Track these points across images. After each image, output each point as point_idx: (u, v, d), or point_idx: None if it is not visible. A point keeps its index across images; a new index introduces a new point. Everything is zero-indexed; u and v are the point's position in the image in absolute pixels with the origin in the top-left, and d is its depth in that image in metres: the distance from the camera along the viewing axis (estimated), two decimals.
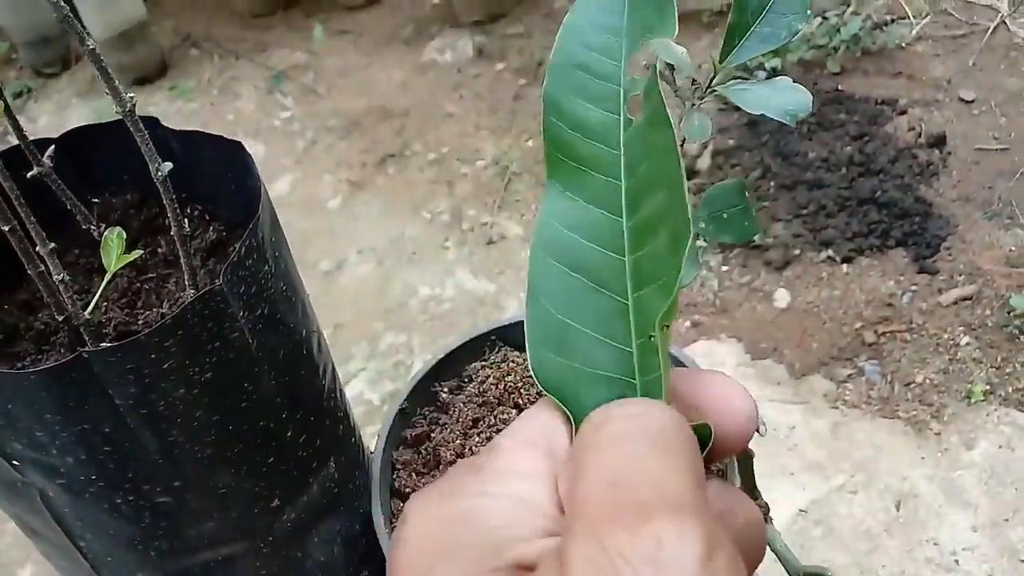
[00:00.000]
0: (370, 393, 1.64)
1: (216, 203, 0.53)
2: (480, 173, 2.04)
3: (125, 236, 0.41)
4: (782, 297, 1.63)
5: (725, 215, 0.48)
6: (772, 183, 1.77)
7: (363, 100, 2.32)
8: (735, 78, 0.51)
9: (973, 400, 1.44)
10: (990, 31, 2.09)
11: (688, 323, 1.63)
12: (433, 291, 1.82)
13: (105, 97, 2.08)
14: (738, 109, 1.79)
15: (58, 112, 2.52)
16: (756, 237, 1.70)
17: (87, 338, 0.42)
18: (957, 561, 1.28)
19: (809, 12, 0.44)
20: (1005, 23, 2.11)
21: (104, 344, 0.42)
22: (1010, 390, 1.44)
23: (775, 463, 1.41)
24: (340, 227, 2.00)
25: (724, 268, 1.69)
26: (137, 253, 0.42)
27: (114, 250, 0.41)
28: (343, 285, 1.89)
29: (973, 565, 1.27)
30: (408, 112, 2.25)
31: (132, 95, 0.41)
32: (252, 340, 0.42)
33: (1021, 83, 1.95)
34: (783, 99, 0.42)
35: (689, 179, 1.92)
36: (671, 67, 0.50)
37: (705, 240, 0.50)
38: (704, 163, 1.87)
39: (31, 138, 0.51)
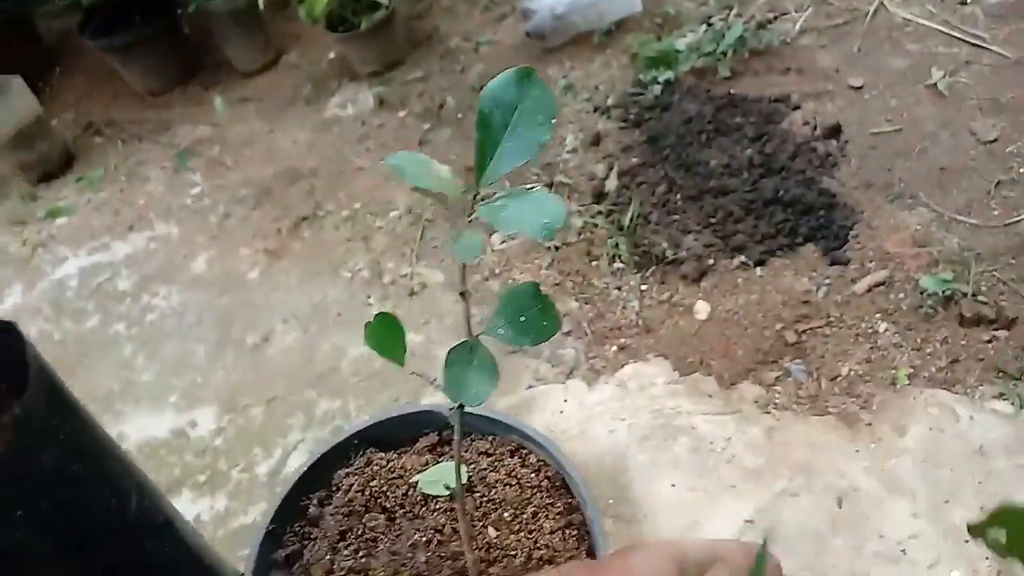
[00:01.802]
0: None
1: None
2: (395, 224, 2.03)
3: None
4: (702, 309, 1.63)
5: (523, 318, 0.47)
6: (679, 196, 1.79)
7: (271, 166, 2.29)
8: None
9: (899, 385, 1.45)
10: (870, 15, 2.13)
11: (615, 347, 1.63)
12: (362, 351, 1.80)
13: (12, 199, 2.03)
14: (638, 125, 1.79)
15: None
16: (668, 254, 1.71)
17: None
18: (904, 551, 1.29)
19: (553, 122, 0.44)
20: (884, 5, 2.15)
21: None
22: (933, 370, 1.46)
23: (715, 477, 1.41)
24: (262, 299, 1.97)
25: (643, 287, 1.70)
26: None
27: None
28: (272, 357, 1.86)
29: (920, 553, 1.28)
30: (317, 172, 2.23)
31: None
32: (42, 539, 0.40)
33: (906, 62, 2.00)
34: (538, 213, 0.42)
35: (598, 202, 1.93)
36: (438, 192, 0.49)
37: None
38: (611, 184, 1.88)
39: None
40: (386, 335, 0.48)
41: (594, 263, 1.77)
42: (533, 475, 0.62)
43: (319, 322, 1.90)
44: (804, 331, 1.56)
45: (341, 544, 0.60)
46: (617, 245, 1.76)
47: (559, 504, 0.60)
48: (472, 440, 0.66)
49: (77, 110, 2.73)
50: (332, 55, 2.54)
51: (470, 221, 0.44)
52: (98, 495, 0.46)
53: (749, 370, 1.54)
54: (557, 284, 1.77)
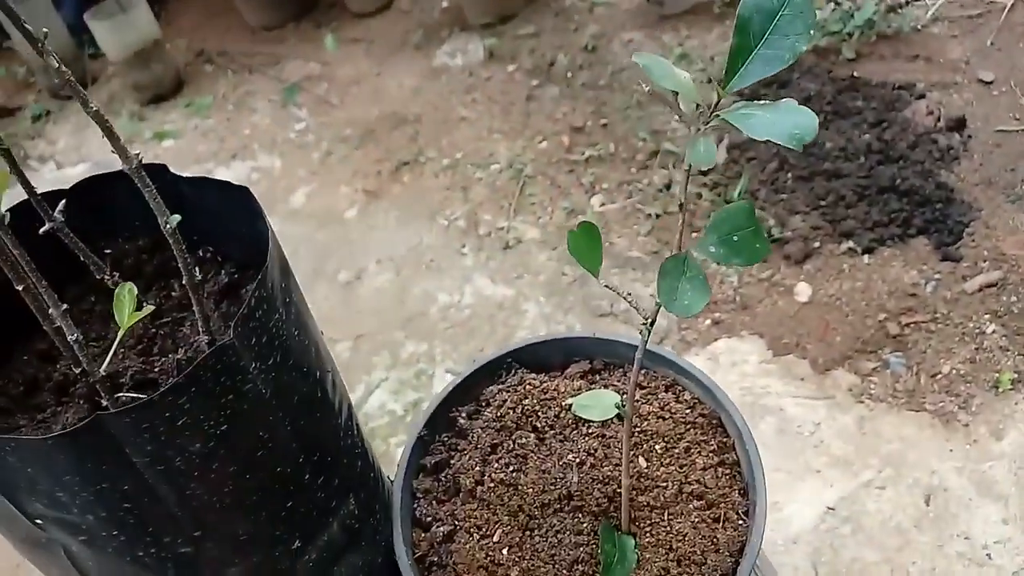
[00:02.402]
0: (393, 403, 1.65)
1: (227, 245, 0.53)
2: (495, 177, 2.04)
3: (136, 291, 0.42)
4: (803, 291, 1.61)
5: (735, 238, 0.48)
6: (789, 175, 1.76)
7: (376, 108, 2.32)
8: (738, 94, 0.50)
9: (1001, 389, 1.42)
10: (1007, 9, 2.05)
11: (708, 321, 1.62)
12: (452, 298, 1.82)
13: (122, 117, 2.09)
14: (753, 98, 1.77)
15: (76, 133, 2.55)
16: (774, 232, 1.68)
17: (103, 395, 0.43)
18: (989, 555, 1.26)
19: (812, 32, 0.44)
20: (1022, 1, 2.07)
21: (119, 400, 0.43)
22: None
23: (800, 461, 1.40)
24: (358, 237, 2.01)
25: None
26: (149, 309, 0.42)
27: (126, 307, 0.42)
28: (363, 295, 1.90)
29: (1006, 559, 1.25)
30: (421, 118, 2.25)
31: (138, 152, 0.42)
32: (266, 389, 0.42)
33: None
34: (788, 123, 0.42)
35: (704, 173, 1.91)
36: (675, 93, 0.50)
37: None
38: (720, 156, 1.86)
39: (52, 170, 0.52)
40: (587, 245, 0.49)
41: (694, 234, 1.76)
42: (687, 411, 0.62)
43: (412, 266, 1.92)
44: (908, 324, 1.52)
45: (492, 457, 0.62)
46: None
47: (713, 442, 0.61)
48: (625, 372, 0.67)
49: (191, 37, 2.80)
50: (445, 3, 2.55)
51: (707, 127, 0.45)
52: (314, 365, 0.49)
53: (846, 357, 1.52)
54: (655, 252, 1.76)
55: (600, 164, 1.98)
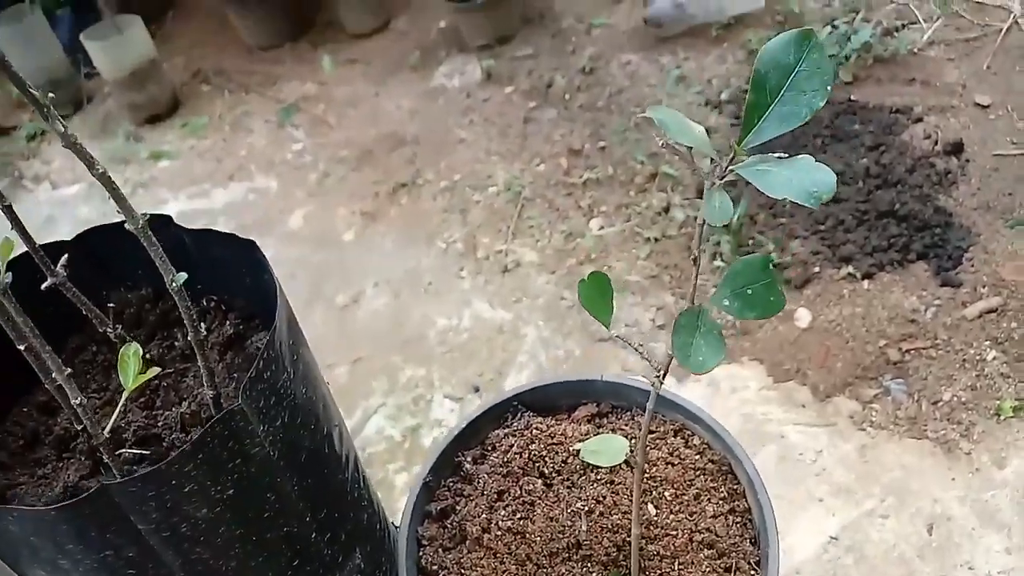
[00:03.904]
0: (391, 429, 1.64)
1: (232, 294, 0.52)
2: (492, 199, 2.04)
3: (141, 351, 0.41)
4: (803, 316, 1.61)
5: (750, 291, 0.47)
6: (788, 200, 1.75)
7: (373, 129, 2.32)
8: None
9: (1003, 416, 1.41)
10: (1003, 33, 2.06)
11: None
12: (450, 322, 1.81)
13: (118, 137, 2.08)
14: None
15: (72, 154, 2.54)
16: (774, 255, 1.68)
17: (106, 456, 0.42)
18: None
19: (829, 88, 0.43)
20: (1018, 24, 2.08)
21: (122, 457, 0.42)
22: None
23: (802, 489, 1.39)
24: (355, 260, 2.00)
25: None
26: (154, 371, 0.42)
27: (131, 369, 0.41)
28: (360, 319, 1.89)
29: None
30: (419, 139, 2.25)
31: (145, 213, 0.41)
32: (273, 451, 0.41)
33: None
34: (806, 181, 0.41)
35: (702, 197, 1.92)
36: (690, 148, 0.49)
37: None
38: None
39: (47, 190, 0.51)
40: (597, 294, 0.48)
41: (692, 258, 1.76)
42: (697, 456, 0.62)
43: (410, 289, 1.92)
44: (908, 350, 1.52)
45: (498, 503, 0.61)
46: (719, 243, 1.74)
47: (723, 489, 0.60)
48: (633, 416, 0.66)
49: (187, 56, 2.80)
50: (443, 24, 2.55)
51: (723, 181, 0.44)
52: (322, 420, 0.48)
53: (847, 384, 1.51)
54: (653, 276, 1.76)
55: (598, 187, 1.98)
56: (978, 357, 1.49)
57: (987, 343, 1.50)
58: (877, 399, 1.48)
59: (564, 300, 1.77)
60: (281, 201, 2.21)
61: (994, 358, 1.48)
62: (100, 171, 0.37)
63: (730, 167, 0.45)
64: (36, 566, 0.40)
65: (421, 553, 0.62)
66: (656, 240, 1.80)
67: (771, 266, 0.47)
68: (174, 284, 0.42)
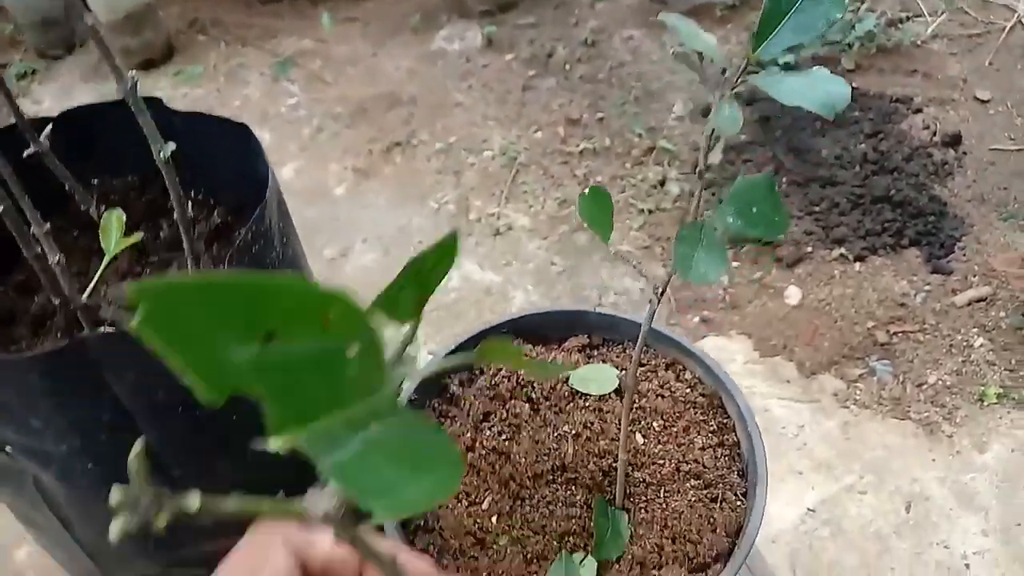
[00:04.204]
0: None
1: (220, 187, 0.50)
2: (487, 163, 2.02)
3: (125, 218, 0.39)
4: (793, 294, 1.60)
5: (754, 210, 0.46)
6: (784, 179, 1.75)
7: (370, 88, 2.29)
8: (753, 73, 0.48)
9: (986, 403, 1.42)
10: (1006, 30, 2.06)
11: (697, 319, 1.61)
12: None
13: (110, 81, 2.06)
14: (750, 103, 1.76)
15: (62, 95, 2.50)
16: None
17: (84, 322, 0.40)
18: (968, 565, 1.26)
19: (847, 1, 0.42)
20: (1022, 23, 2.08)
21: (103, 328, 0.40)
22: (1023, 393, 1.42)
23: (783, 462, 1.39)
24: (346, 215, 1.98)
25: (735, 264, 1.67)
26: (137, 236, 0.40)
27: (113, 232, 0.39)
28: (348, 273, 1.87)
29: (983, 570, 1.25)
30: (416, 100, 2.22)
31: (134, 73, 0.39)
32: None
33: None
34: (820, 90, 0.40)
35: (698, 175, 1.90)
36: (700, 55, 0.48)
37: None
38: (715, 158, 1.85)
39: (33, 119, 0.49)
40: (597, 208, 0.47)
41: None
42: (688, 390, 0.61)
43: (400, 247, 1.90)
44: (896, 333, 1.52)
45: (484, 424, 0.60)
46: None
47: (712, 422, 0.59)
48: (625, 349, 0.65)
49: (185, 6, 2.75)
50: None
51: (733, 93, 0.43)
52: None
53: (833, 363, 1.51)
54: (646, 247, 1.75)
55: (595, 157, 1.97)
56: (965, 343, 1.49)
57: (975, 330, 1.50)
58: (862, 379, 1.48)
59: (554, 265, 1.76)
60: (274, 154, 2.17)
61: (981, 345, 1.49)
62: (90, 23, 0.35)
63: (742, 77, 0.43)
64: (4, 423, 0.38)
65: None
66: (650, 212, 1.79)
67: (774, 187, 0.46)
68: (162, 154, 0.40)
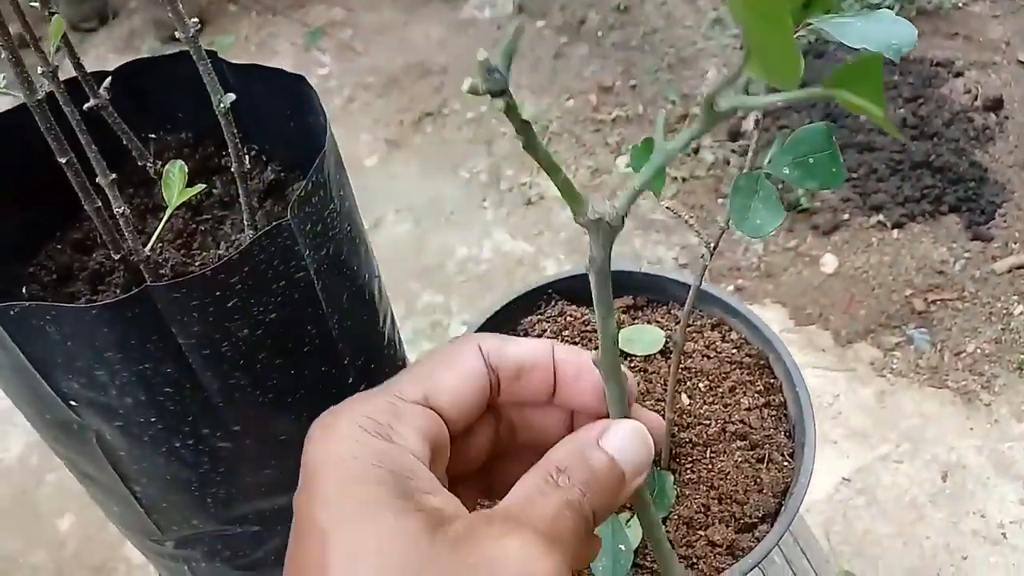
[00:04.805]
0: (408, 353, 1.63)
1: (273, 143, 0.51)
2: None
3: (187, 170, 0.40)
4: (829, 262, 1.59)
5: (811, 160, 0.45)
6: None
7: (401, 58, 2.28)
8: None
9: None
10: None
11: (731, 287, 1.60)
12: (471, 252, 1.80)
13: (142, 53, 2.05)
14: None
15: (96, 67, 2.52)
16: (802, 202, 1.66)
17: (147, 276, 0.41)
18: (1004, 534, 1.25)
19: None
20: None
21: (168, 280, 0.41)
22: None
23: (818, 431, 1.38)
24: (377, 186, 1.98)
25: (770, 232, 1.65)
26: (200, 187, 0.40)
27: (176, 184, 0.39)
28: (379, 244, 1.87)
29: (1021, 539, 1.24)
30: (447, 69, 2.21)
31: (196, 20, 0.39)
32: (317, 280, 0.40)
33: None
34: (886, 32, 0.39)
35: (733, 140, 1.87)
36: None
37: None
38: (749, 124, 1.82)
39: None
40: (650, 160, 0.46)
41: (720, 200, 1.73)
42: (734, 351, 0.60)
43: (431, 217, 1.90)
44: (934, 301, 1.50)
45: None
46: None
47: (759, 383, 0.59)
48: (670, 310, 0.65)
49: None
50: None
51: (796, 36, 0.42)
52: (364, 266, 0.46)
53: (869, 331, 1.49)
54: (679, 215, 1.74)
55: (627, 125, 1.95)
56: (1005, 311, 1.47)
57: (1015, 298, 1.48)
58: (899, 347, 1.46)
59: (586, 236, 1.75)
60: None
61: (1021, 313, 1.46)
62: None
63: (806, 21, 0.42)
64: (70, 377, 0.39)
65: None
66: (683, 180, 1.78)
67: (833, 135, 0.45)
68: (222, 105, 0.41)
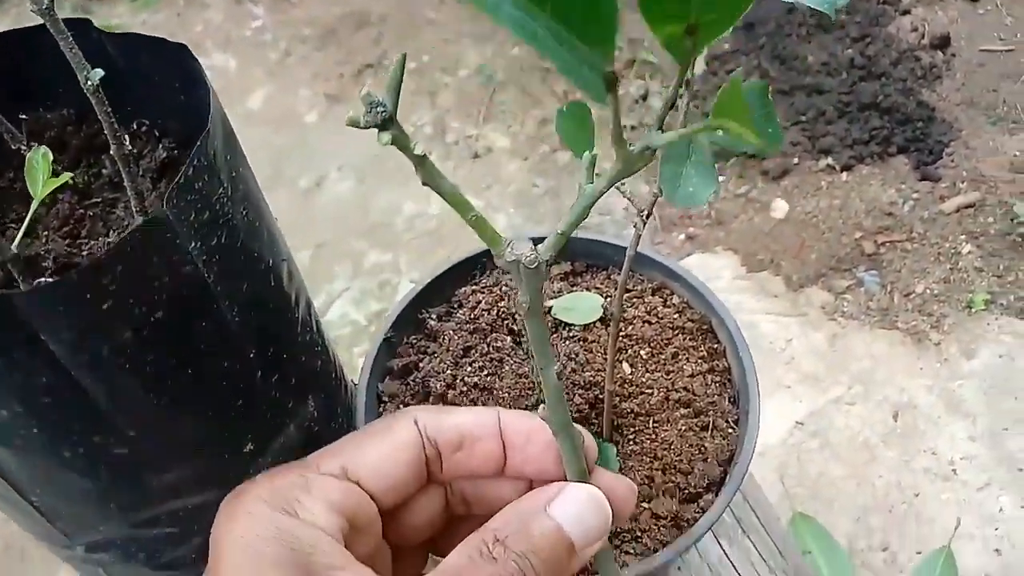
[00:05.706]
0: (355, 313, 1.60)
1: (165, 117, 0.46)
2: (463, 83, 1.95)
3: (52, 157, 0.35)
4: (780, 207, 1.57)
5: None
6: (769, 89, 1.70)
7: (337, 8, 2.19)
8: None
9: (974, 310, 1.41)
10: None
11: (683, 236, 1.58)
12: (419, 207, 1.76)
13: (65, 9, 1.93)
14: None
15: None
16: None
17: (16, 275, 0.36)
18: (955, 471, 1.27)
19: None
20: None
21: (39, 281, 0.37)
22: (1012, 299, 1.41)
23: (771, 376, 1.39)
24: (318, 143, 1.91)
25: (720, 178, 1.63)
26: (66, 176, 0.36)
27: (40, 174, 0.35)
28: (323, 203, 1.82)
29: (971, 474, 1.26)
30: (385, 19, 2.13)
31: None
32: (208, 273, 0.36)
33: None
34: None
35: (682, 86, 1.85)
36: None
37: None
38: (699, 68, 1.78)
39: None
40: (576, 126, 0.43)
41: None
42: (676, 315, 0.58)
43: (376, 174, 1.84)
44: (884, 243, 1.50)
45: (464, 360, 0.57)
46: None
47: (702, 348, 0.56)
48: (609, 275, 0.62)
49: None
50: None
51: None
52: (266, 250, 0.43)
53: (820, 275, 1.49)
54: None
55: None
56: (953, 251, 1.48)
57: (963, 237, 1.48)
58: (850, 290, 1.46)
59: (536, 187, 1.72)
60: (240, 80, 2.09)
61: (969, 252, 1.47)
62: None
63: None
64: None
65: (382, 409, 0.58)
66: (633, 128, 1.74)
67: (768, 94, 0.42)
68: (89, 83, 0.36)
